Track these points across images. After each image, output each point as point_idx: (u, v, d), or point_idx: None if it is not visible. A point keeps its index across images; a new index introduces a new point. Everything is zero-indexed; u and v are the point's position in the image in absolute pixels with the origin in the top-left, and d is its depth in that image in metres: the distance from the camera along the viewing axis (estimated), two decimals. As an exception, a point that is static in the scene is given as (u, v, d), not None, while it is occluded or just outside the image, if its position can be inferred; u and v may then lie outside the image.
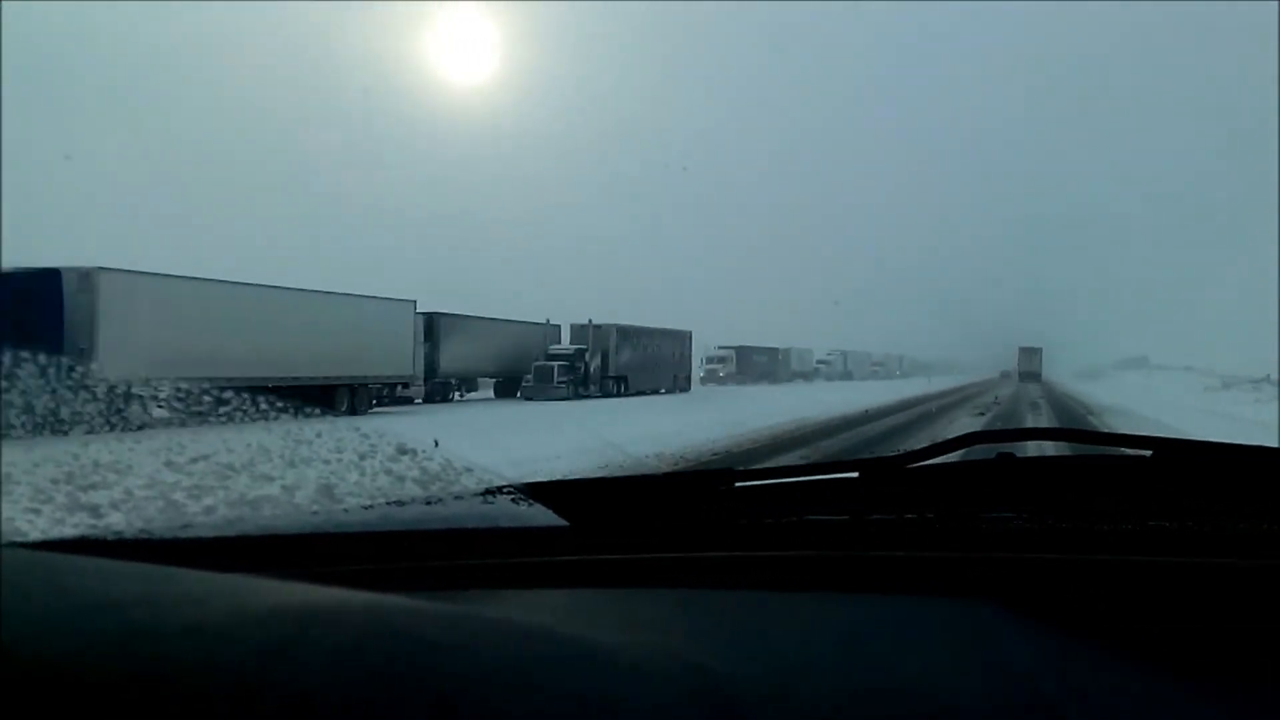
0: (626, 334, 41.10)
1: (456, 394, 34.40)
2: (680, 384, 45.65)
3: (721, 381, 59.59)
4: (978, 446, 1.48)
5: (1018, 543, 1.11)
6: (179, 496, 6.40)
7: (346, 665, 0.47)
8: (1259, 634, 0.88)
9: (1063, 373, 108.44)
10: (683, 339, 47.17)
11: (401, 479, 7.50)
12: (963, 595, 0.98)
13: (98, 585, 0.54)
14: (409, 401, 29.67)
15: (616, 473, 11.43)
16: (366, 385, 25.65)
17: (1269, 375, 42.30)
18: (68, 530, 5.41)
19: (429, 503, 1.76)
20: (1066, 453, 1.81)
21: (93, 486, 6.56)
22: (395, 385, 27.82)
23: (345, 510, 2.48)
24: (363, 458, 8.06)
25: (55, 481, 6.62)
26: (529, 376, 35.26)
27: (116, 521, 5.79)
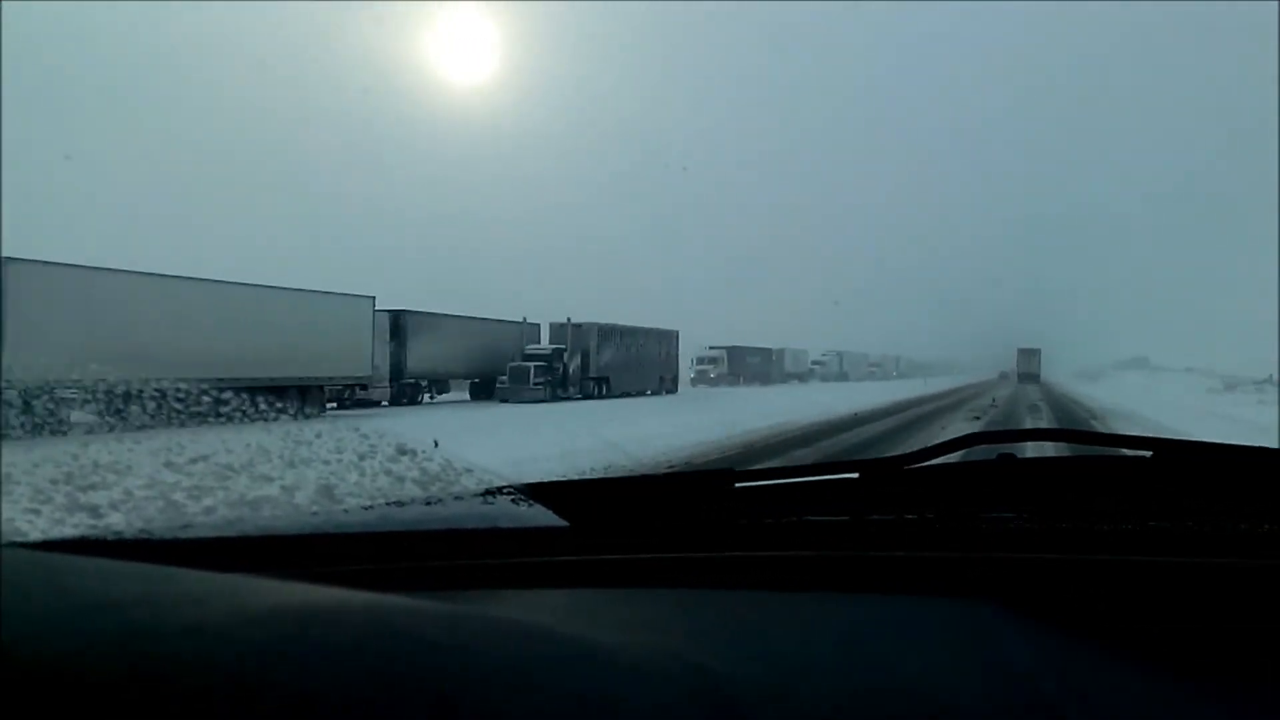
0: (608, 333, 39.67)
1: (426, 396, 32.91)
2: (667, 385, 44.43)
3: (713, 383, 58.52)
4: (978, 447, 1.48)
5: (1018, 543, 1.12)
6: (179, 497, 6.40)
7: (346, 665, 0.47)
8: (1259, 634, 0.88)
9: (1062, 373, 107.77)
10: (669, 339, 45.93)
11: (401, 479, 7.50)
12: (963, 595, 0.98)
13: (98, 585, 0.54)
14: (373, 404, 28.24)
15: (614, 473, 11.45)
16: (319, 387, 23.87)
17: (1270, 376, 41.52)
18: (67, 530, 5.41)
19: (429, 503, 1.76)
20: (1066, 453, 1.81)
21: (92, 487, 6.56)
22: (354, 387, 26.41)
23: (345, 511, 2.48)
24: (362, 458, 8.07)
25: (55, 482, 6.62)
26: (504, 378, 33.96)
27: (116, 522, 5.79)
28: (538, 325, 39.03)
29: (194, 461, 7.45)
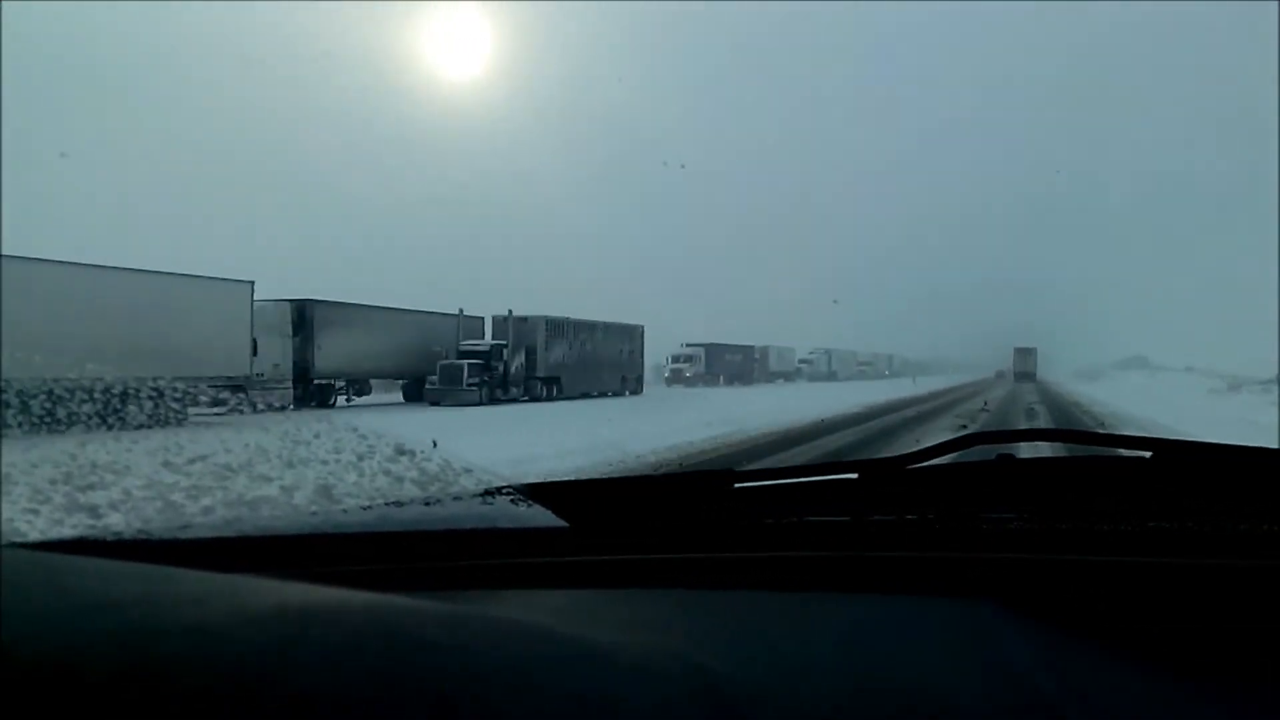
0: (559, 328, 36.03)
1: (342, 398, 29.05)
2: (630, 386, 40.89)
3: (689, 382, 55.42)
4: (977, 447, 1.48)
5: (1018, 543, 1.12)
6: (177, 497, 6.41)
7: (346, 665, 0.47)
8: (1259, 634, 0.88)
9: (1060, 373, 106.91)
10: (632, 335, 42.25)
11: (400, 479, 7.53)
12: (963, 595, 0.98)
13: (97, 585, 0.54)
14: (280, 409, 23.75)
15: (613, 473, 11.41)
16: (183, 389, 19.27)
17: (1275, 375, 39.12)
18: (66, 531, 5.41)
19: (428, 503, 1.76)
20: (1066, 454, 1.81)
21: (91, 487, 6.57)
22: (236, 389, 21.91)
23: (344, 511, 2.48)
24: (361, 458, 8.09)
25: (54, 482, 6.63)
26: (434, 377, 30.66)
27: (115, 522, 5.80)
28: (481, 319, 35.23)
29: (192, 462, 7.46)
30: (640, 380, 42.23)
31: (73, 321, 17.90)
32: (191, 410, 18.92)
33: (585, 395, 35.63)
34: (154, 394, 17.04)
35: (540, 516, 1.27)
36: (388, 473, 7.73)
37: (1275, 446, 1.26)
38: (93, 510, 6.04)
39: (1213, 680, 0.81)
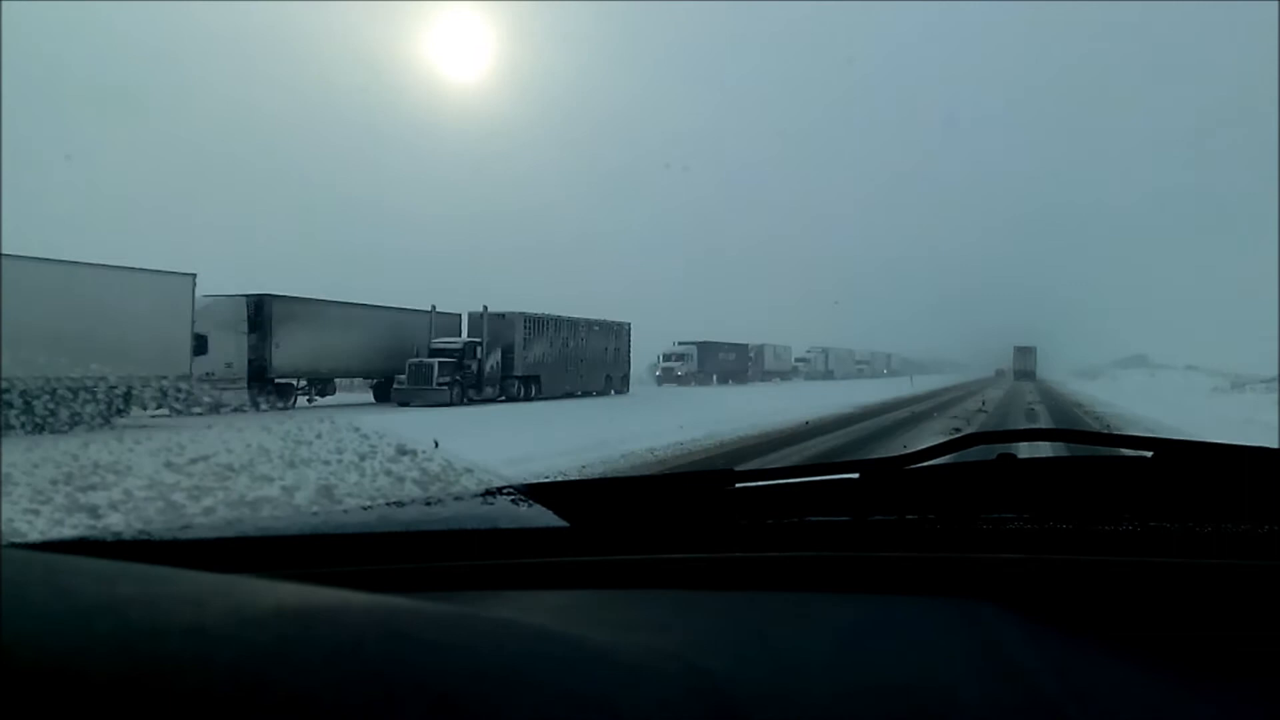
0: (538, 325, 34.55)
1: (304, 398, 27.30)
2: (615, 385, 39.35)
3: (681, 381, 54.09)
4: (978, 447, 1.48)
5: (1018, 543, 1.12)
6: (178, 497, 6.42)
7: (346, 666, 0.47)
8: (1259, 634, 0.88)
9: (1060, 372, 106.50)
10: (618, 332, 40.64)
11: (401, 480, 7.53)
12: (963, 595, 0.97)
13: (97, 586, 0.54)
14: (222, 410, 21.68)
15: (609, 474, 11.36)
16: (112, 390, 18.03)
17: (1276, 374, 37.68)
18: (67, 531, 5.42)
19: (428, 503, 1.75)
20: (1066, 453, 1.81)
21: (92, 487, 6.58)
22: (178, 389, 20.30)
23: (345, 511, 2.48)
24: (362, 459, 8.09)
25: (54, 482, 6.63)
26: (402, 377, 29.13)
27: (115, 522, 5.80)
28: (458, 316, 33.62)
29: (194, 462, 7.46)
30: (626, 379, 40.99)
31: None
32: (141, 412, 18.21)
33: (569, 395, 34.64)
34: (71, 394, 16.04)
35: (541, 516, 1.27)
36: (389, 473, 7.74)
37: (1276, 446, 1.26)
38: (93, 510, 6.05)
39: (1213, 680, 0.81)
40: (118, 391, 18.18)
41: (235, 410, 21.92)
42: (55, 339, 16.81)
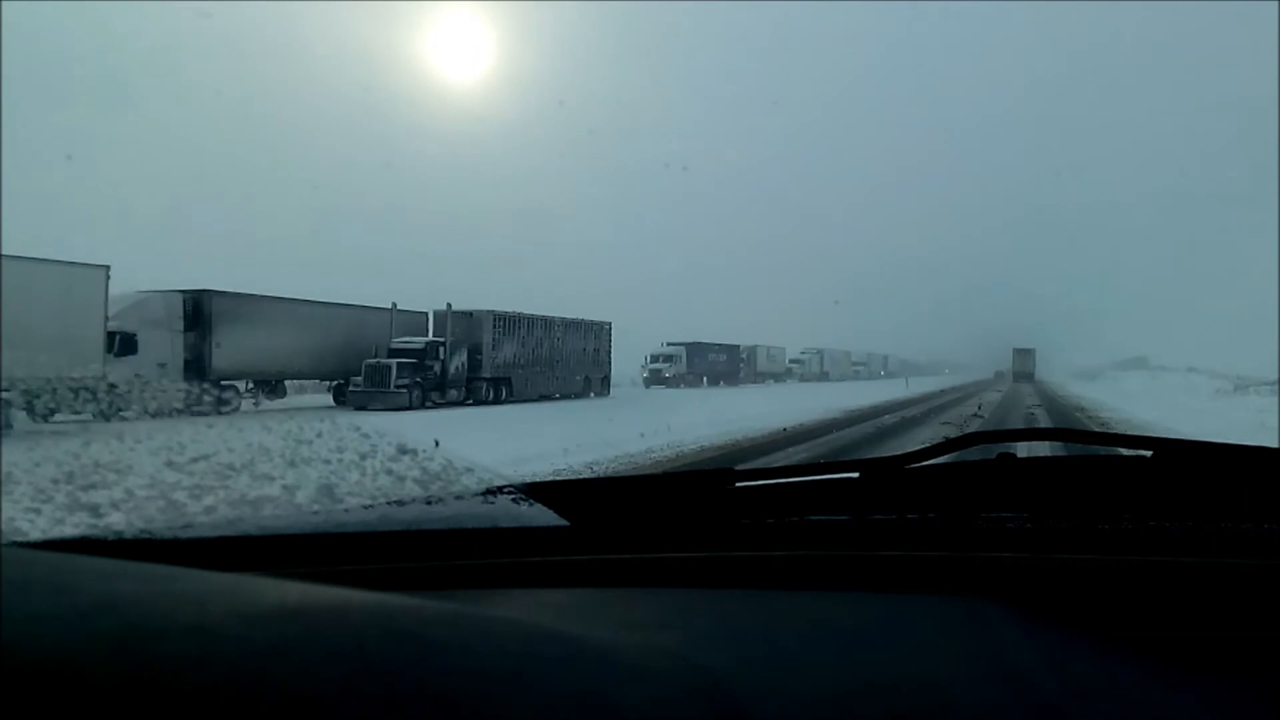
0: (509, 324, 32.84)
1: (250, 401, 25.44)
2: (595, 387, 37.59)
3: (669, 383, 52.37)
4: (978, 446, 1.48)
5: (1018, 542, 1.12)
6: (180, 496, 6.42)
7: (348, 664, 0.47)
8: (1259, 634, 0.88)
9: (1059, 374, 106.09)
10: (597, 332, 38.65)
11: (402, 479, 7.53)
12: (963, 594, 0.98)
13: (98, 585, 0.54)
14: (150, 414, 19.97)
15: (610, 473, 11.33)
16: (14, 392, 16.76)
17: (1278, 376, 36.47)
18: (68, 530, 5.42)
19: (429, 502, 1.75)
20: (1066, 453, 1.81)
21: (93, 486, 6.59)
22: (90, 390, 18.27)
23: (346, 510, 2.48)
24: (363, 457, 8.09)
25: (56, 481, 6.64)
26: (358, 379, 27.28)
27: (117, 521, 5.80)
28: (425, 314, 31.73)
29: (195, 461, 7.47)
30: (606, 381, 38.99)
31: None
32: (62, 419, 16.73)
33: (546, 398, 33.41)
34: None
35: (541, 516, 1.28)
36: (389, 472, 7.74)
37: (1269, 446, 1.26)
38: (94, 509, 6.05)
39: (1213, 679, 0.81)
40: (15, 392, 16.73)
41: (169, 415, 20.13)
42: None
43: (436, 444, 8.57)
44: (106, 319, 20.50)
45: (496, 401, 30.94)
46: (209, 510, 6.08)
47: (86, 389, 18.12)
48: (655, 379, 53.12)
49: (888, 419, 24.16)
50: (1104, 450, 1.51)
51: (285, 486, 6.83)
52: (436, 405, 28.08)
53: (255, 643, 0.47)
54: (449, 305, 30.56)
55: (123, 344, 21.38)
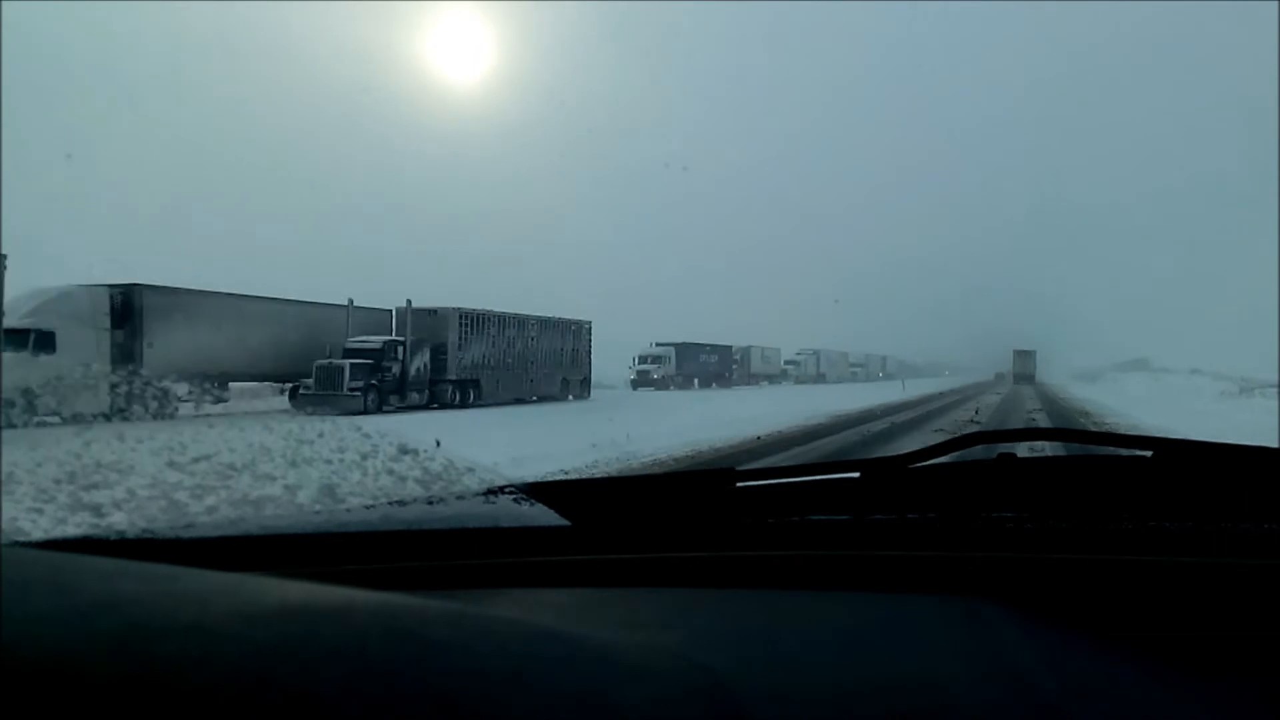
0: (478, 322, 30.84)
1: (190, 405, 22.57)
2: (573, 389, 35.75)
3: (658, 385, 50.48)
4: (978, 446, 1.49)
5: (1018, 542, 1.12)
6: (181, 496, 6.43)
7: (350, 664, 0.48)
8: (1259, 634, 0.88)
9: (1060, 376, 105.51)
10: (576, 332, 36.77)
11: (403, 479, 7.53)
12: (964, 594, 0.98)
13: (100, 584, 0.54)
14: (64, 421, 17.73)
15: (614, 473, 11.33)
16: None
17: None
18: (70, 530, 5.43)
19: (431, 502, 1.76)
20: (1067, 453, 1.81)
21: (95, 486, 6.60)
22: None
23: (347, 510, 2.49)
24: (365, 457, 8.10)
25: (58, 481, 6.65)
26: (309, 381, 25.40)
27: (119, 521, 5.81)
28: (388, 312, 29.91)
29: (197, 461, 7.48)
30: (586, 383, 37.17)
31: None
32: None
33: (520, 400, 31.87)
34: None
35: (542, 515, 1.28)
36: (391, 472, 7.75)
37: (1269, 446, 1.26)
38: (96, 509, 6.06)
39: (1213, 679, 0.81)
40: None
41: (93, 419, 17.08)
42: None
43: (438, 444, 8.58)
44: (2, 314, 17.80)
45: (463, 405, 28.93)
46: (211, 510, 6.08)
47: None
48: (643, 381, 51.28)
49: (878, 425, 22.51)
50: (1104, 450, 1.51)
51: (287, 486, 6.84)
52: (395, 409, 26.13)
53: (257, 642, 0.47)
54: (409, 302, 28.72)
55: (38, 342, 19.59)
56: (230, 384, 24.58)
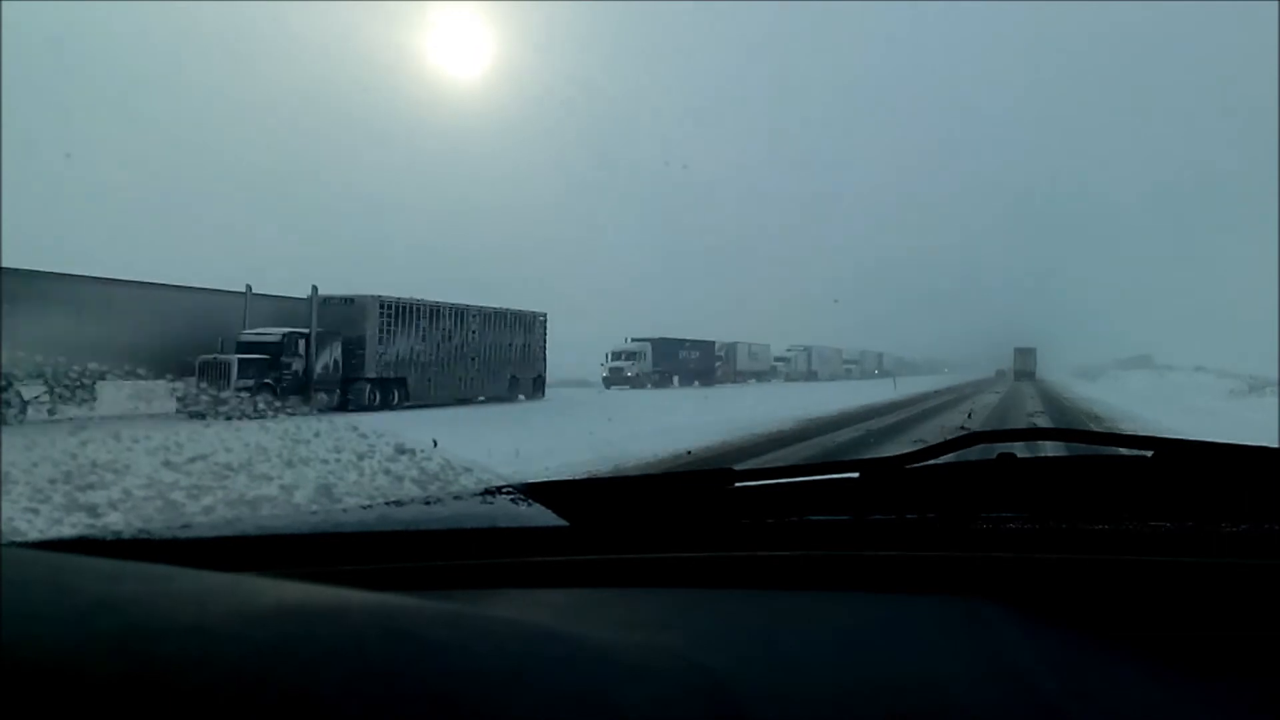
0: (404, 313, 26.84)
1: (42, 409, 19.50)
2: (524, 388, 31.51)
3: (633, 383, 46.75)
4: (978, 446, 1.49)
5: (1018, 543, 1.12)
6: (177, 496, 6.41)
7: (346, 664, 0.47)
8: (1259, 634, 0.88)
9: (1061, 373, 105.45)
10: (528, 324, 32.37)
11: (400, 479, 7.52)
12: (963, 594, 0.98)
13: (97, 585, 0.54)
14: None
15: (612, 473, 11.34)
16: None
17: None
18: (66, 530, 5.42)
19: (428, 502, 1.76)
20: (1067, 453, 1.81)
21: (91, 486, 6.58)
22: None
23: (344, 510, 2.48)
24: (361, 457, 8.09)
25: (53, 481, 6.63)
26: (192, 379, 21.05)
27: (115, 521, 5.80)
28: (305, 301, 24.98)
29: (192, 460, 7.46)
30: (540, 382, 32.83)
31: None
32: None
33: (463, 401, 28.11)
34: None
35: (540, 516, 1.28)
36: (388, 472, 7.73)
37: (1269, 446, 1.26)
38: (92, 509, 6.05)
39: (1214, 679, 0.81)
40: None
41: None
42: None
43: (435, 444, 8.58)
44: None
45: (385, 407, 25.20)
46: (207, 510, 6.07)
47: None
48: (616, 378, 47.19)
49: (852, 431, 18.90)
50: (1104, 450, 1.51)
51: (283, 486, 6.83)
52: (295, 412, 22.58)
53: (254, 642, 0.47)
54: (315, 288, 24.59)
55: None
56: (99, 383, 20.35)
